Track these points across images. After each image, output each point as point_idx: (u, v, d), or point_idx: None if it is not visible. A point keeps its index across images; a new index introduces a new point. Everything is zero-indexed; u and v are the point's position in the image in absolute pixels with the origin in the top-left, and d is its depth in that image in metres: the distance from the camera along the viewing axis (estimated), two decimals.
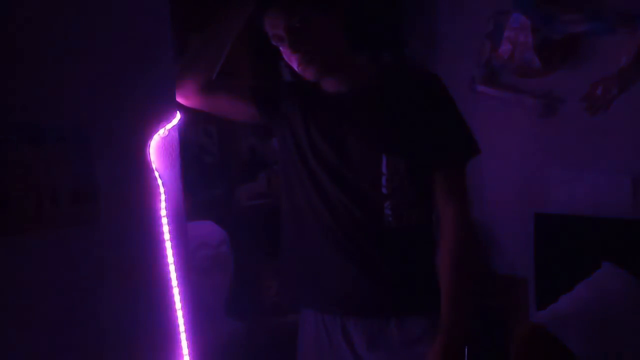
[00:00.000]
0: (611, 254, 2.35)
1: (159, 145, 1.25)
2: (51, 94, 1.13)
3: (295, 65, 1.35)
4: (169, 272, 1.26)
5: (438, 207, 1.35)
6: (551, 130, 2.72)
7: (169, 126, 1.26)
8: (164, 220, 1.25)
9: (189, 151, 2.50)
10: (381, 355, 1.36)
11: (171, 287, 1.26)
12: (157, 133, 1.25)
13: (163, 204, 1.25)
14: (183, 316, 1.27)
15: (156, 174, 1.24)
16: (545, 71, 2.63)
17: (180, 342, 1.27)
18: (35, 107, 1.11)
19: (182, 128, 1.31)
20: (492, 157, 2.89)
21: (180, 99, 1.37)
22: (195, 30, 2.23)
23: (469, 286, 1.32)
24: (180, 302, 1.27)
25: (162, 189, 1.25)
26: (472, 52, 2.85)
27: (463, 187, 1.35)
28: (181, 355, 1.27)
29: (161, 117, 1.26)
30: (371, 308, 1.37)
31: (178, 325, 1.27)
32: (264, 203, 2.50)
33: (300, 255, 1.43)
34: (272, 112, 1.45)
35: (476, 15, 2.83)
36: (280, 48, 1.35)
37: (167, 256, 1.26)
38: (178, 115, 1.29)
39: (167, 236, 1.25)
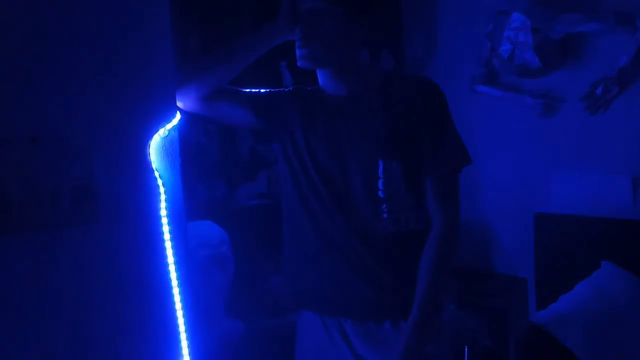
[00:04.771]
0: (611, 254, 2.35)
1: (159, 145, 1.25)
2: (51, 94, 1.13)
3: (297, 47, 1.34)
4: (169, 272, 1.26)
5: (429, 212, 1.36)
6: (551, 130, 2.72)
7: (169, 126, 1.26)
8: (164, 220, 1.25)
9: (189, 151, 2.50)
10: (380, 355, 1.36)
11: (171, 287, 1.26)
12: (157, 133, 1.25)
13: (163, 204, 1.25)
14: (183, 316, 1.27)
15: (156, 174, 1.24)
16: (545, 71, 2.63)
17: (180, 342, 1.27)
18: (35, 107, 1.11)
19: (182, 128, 1.31)
20: (492, 157, 2.90)
21: (180, 104, 1.37)
22: (195, 30, 2.23)
23: (442, 281, 1.36)
24: (180, 302, 1.27)
25: (162, 189, 1.24)
26: (472, 52, 2.85)
27: (454, 194, 1.36)
28: (181, 355, 1.27)
29: (161, 117, 1.26)
30: (367, 311, 1.38)
31: (178, 325, 1.27)
32: (264, 203, 2.50)
33: (299, 258, 1.44)
34: (270, 119, 1.45)
35: (476, 16, 2.83)
36: (296, 33, 1.34)
37: (167, 256, 1.26)
38: (178, 115, 1.29)
39: (167, 236, 1.25)
